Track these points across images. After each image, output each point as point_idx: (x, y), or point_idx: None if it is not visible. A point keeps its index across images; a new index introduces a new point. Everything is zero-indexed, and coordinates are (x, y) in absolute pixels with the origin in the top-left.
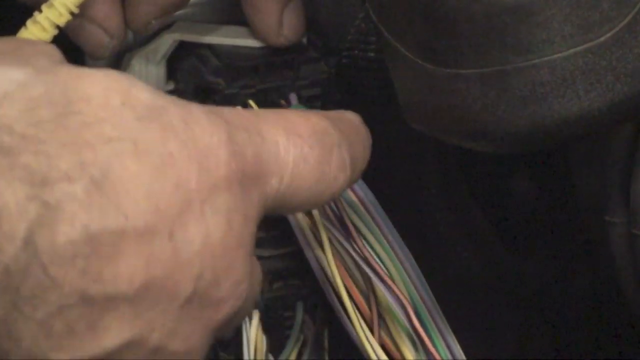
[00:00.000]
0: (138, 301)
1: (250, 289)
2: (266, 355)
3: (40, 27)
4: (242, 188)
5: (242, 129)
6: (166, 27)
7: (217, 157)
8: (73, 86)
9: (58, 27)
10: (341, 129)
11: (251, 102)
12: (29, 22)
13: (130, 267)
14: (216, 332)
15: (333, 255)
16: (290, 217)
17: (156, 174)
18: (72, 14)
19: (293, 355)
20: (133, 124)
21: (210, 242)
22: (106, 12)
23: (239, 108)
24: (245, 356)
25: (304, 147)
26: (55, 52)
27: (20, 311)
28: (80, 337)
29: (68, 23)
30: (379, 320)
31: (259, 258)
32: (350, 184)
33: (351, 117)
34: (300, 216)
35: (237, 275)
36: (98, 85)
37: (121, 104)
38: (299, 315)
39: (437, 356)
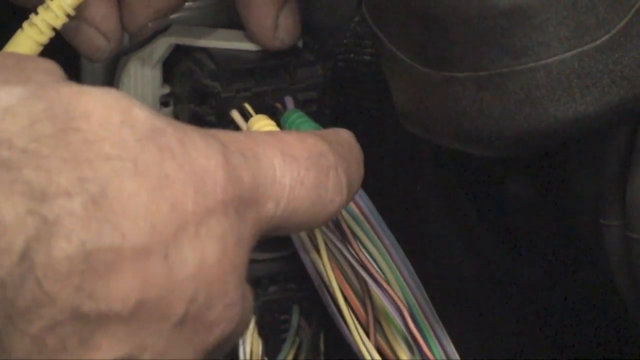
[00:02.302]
0: (131, 320)
1: (242, 312)
2: (262, 359)
3: (36, 30)
4: (238, 212)
5: (238, 153)
6: (162, 31)
7: (214, 180)
8: (74, 103)
9: (54, 29)
10: (337, 150)
11: (247, 106)
12: (25, 24)
13: (125, 286)
14: (208, 354)
15: (329, 258)
16: None
17: (153, 194)
18: (68, 16)
19: (289, 358)
20: (132, 144)
21: (205, 265)
22: (103, 15)
23: (235, 132)
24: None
25: (301, 170)
26: (56, 69)
27: (15, 325)
28: (71, 354)
29: (65, 25)
30: (374, 323)
31: (255, 261)
32: (345, 205)
33: (345, 136)
34: None
35: (230, 298)
36: (98, 103)
37: (121, 122)
38: (295, 318)
39: (432, 359)
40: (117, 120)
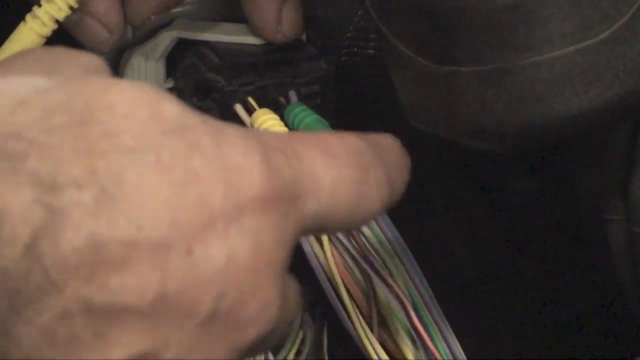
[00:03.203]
0: (151, 315)
1: (282, 312)
2: (265, 354)
3: (39, 22)
4: (278, 210)
5: (279, 151)
6: (165, 25)
7: (250, 177)
8: (98, 95)
9: (57, 21)
10: (377, 150)
11: (250, 100)
12: (28, 17)
13: (142, 280)
14: (243, 354)
15: (332, 252)
16: None
17: (176, 189)
18: (71, 8)
19: (292, 354)
20: (157, 138)
21: (235, 262)
22: (106, 7)
23: (275, 132)
24: None
25: (341, 167)
26: (94, 62)
27: (21, 315)
28: (87, 346)
29: (67, 18)
30: (378, 318)
31: None
32: (388, 205)
33: (388, 140)
34: None
35: (266, 297)
36: (126, 96)
37: (148, 116)
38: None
39: (436, 354)
40: (144, 114)
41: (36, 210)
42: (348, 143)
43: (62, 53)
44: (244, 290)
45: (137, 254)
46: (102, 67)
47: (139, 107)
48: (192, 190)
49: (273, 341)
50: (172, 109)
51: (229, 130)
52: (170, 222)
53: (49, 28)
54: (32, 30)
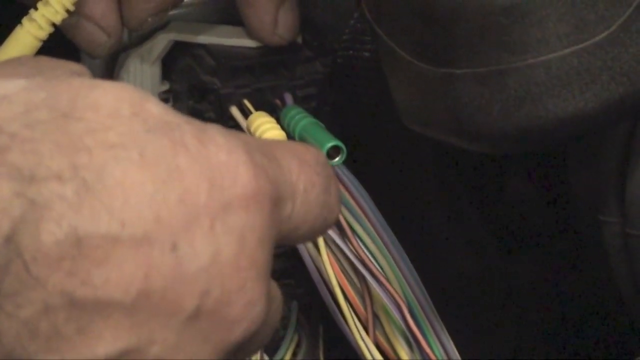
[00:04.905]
0: (135, 311)
1: (267, 313)
2: (261, 355)
3: (36, 25)
4: (261, 209)
5: (260, 152)
6: (161, 27)
7: (234, 175)
8: (82, 93)
9: (54, 25)
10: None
11: (246, 102)
12: (24, 20)
13: (126, 275)
14: (229, 355)
15: (328, 254)
16: None
17: (160, 185)
18: (68, 11)
19: (288, 355)
20: (141, 135)
21: (220, 260)
22: (103, 10)
23: (251, 136)
24: None
25: (313, 175)
26: (77, 67)
27: (2, 308)
28: (69, 341)
29: (64, 21)
30: (373, 319)
31: None
32: (334, 222)
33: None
34: None
35: (251, 296)
36: (109, 95)
37: (132, 114)
38: (294, 314)
39: (432, 356)
40: (128, 112)
41: (16, 202)
42: (315, 153)
43: (46, 60)
44: (229, 289)
45: (120, 249)
46: (85, 72)
47: (122, 106)
48: (176, 187)
49: (256, 346)
50: (156, 108)
51: (213, 129)
52: (154, 218)
53: (45, 31)
54: (28, 33)
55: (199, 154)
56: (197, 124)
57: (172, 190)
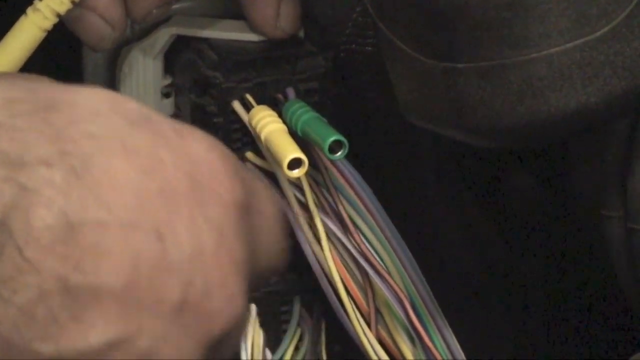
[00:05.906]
0: (125, 299)
1: (244, 310)
2: (263, 350)
3: (40, 15)
4: (239, 210)
5: (234, 157)
6: (163, 21)
7: (212, 172)
8: (61, 93)
9: (58, 15)
10: None
11: (248, 96)
12: (29, 10)
13: (116, 262)
14: (211, 348)
15: (330, 249)
16: (288, 211)
17: (142, 174)
18: (72, 2)
19: (290, 350)
20: (122, 127)
21: (201, 250)
22: (107, 2)
23: None
24: (243, 351)
25: (269, 188)
26: (53, 80)
27: None
28: (64, 329)
29: (68, 13)
30: (376, 314)
31: None
32: None
33: None
34: (298, 210)
35: (231, 291)
36: (88, 95)
37: (110, 111)
38: (296, 309)
39: (434, 351)
40: (107, 108)
41: (6, 187)
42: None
43: (21, 73)
44: (211, 282)
45: (108, 234)
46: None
47: (101, 105)
48: (157, 177)
49: (232, 345)
50: (135, 105)
51: (191, 128)
52: (138, 205)
53: (50, 21)
54: (33, 23)
55: (179, 148)
56: (176, 121)
57: (153, 181)
